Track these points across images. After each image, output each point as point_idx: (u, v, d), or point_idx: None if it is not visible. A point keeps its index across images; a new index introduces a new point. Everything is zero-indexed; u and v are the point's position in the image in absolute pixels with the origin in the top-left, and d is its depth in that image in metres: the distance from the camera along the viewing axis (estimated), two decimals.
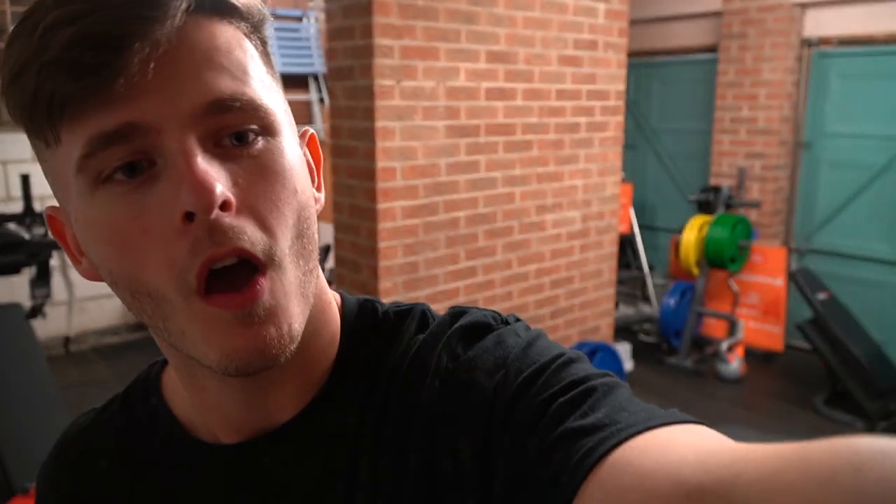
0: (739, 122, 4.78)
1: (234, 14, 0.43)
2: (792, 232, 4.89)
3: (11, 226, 3.24)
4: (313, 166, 0.51)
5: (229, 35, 0.42)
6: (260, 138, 0.42)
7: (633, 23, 4.11)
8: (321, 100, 5.47)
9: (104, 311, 4.90)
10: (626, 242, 4.99)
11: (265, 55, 0.45)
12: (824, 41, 4.59)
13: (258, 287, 0.41)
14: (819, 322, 3.80)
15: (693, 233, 4.50)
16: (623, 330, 4.82)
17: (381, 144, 2.72)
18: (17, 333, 3.28)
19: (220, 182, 0.39)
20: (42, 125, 0.40)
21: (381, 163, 2.74)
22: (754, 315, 4.64)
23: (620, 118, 3.77)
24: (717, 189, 4.64)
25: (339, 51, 2.82)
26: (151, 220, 0.40)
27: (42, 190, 4.30)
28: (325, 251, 4.32)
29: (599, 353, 3.65)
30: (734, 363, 4.29)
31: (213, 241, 0.39)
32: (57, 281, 3.32)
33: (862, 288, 4.47)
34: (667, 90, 5.50)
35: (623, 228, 4.57)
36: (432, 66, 2.83)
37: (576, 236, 3.66)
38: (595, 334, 3.90)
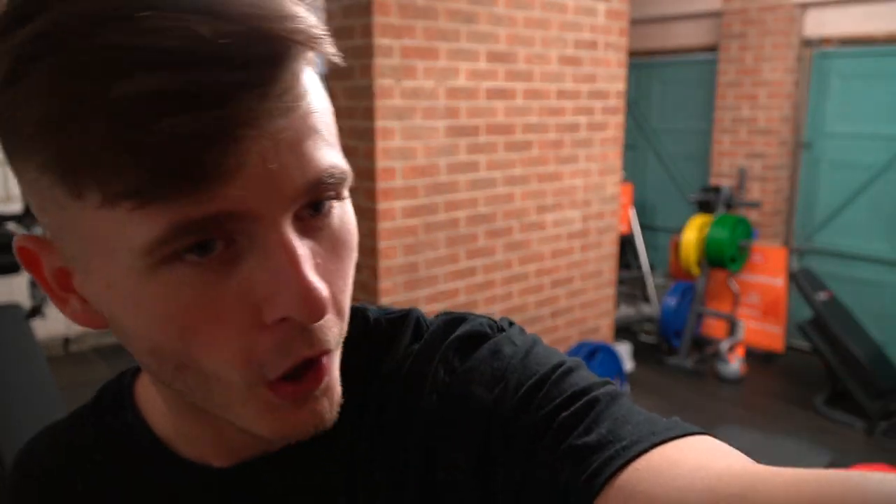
0: (740, 122, 4.78)
1: (317, 47, 0.36)
2: (792, 232, 4.89)
3: (11, 226, 3.24)
4: None
5: (313, 78, 0.38)
6: (335, 203, 0.39)
7: (633, 23, 4.12)
8: None
9: None
10: (626, 242, 4.99)
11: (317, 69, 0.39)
12: (825, 41, 4.59)
13: (323, 373, 0.39)
14: (819, 322, 3.80)
15: (693, 233, 4.50)
16: (623, 330, 4.82)
17: (381, 144, 2.72)
18: (17, 333, 3.27)
19: (323, 286, 0.35)
20: (88, 185, 0.33)
21: (381, 163, 2.74)
22: (754, 315, 4.63)
23: (620, 118, 3.77)
24: (717, 189, 4.64)
25: (339, 51, 2.82)
26: (228, 308, 0.35)
27: None
28: None
29: (599, 353, 3.65)
30: (734, 363, 4.28)
31: (307, 344, 0.37)
32: None
33: (862, 288, 4.47)
34: (667, 90, 5.49)
35: (623, 228, 4.58)
36: (432, 66, 2.82)
37: (576, 236, 3.66)
38: (595, 334, 3.90)
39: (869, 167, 4.41)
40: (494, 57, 3.04)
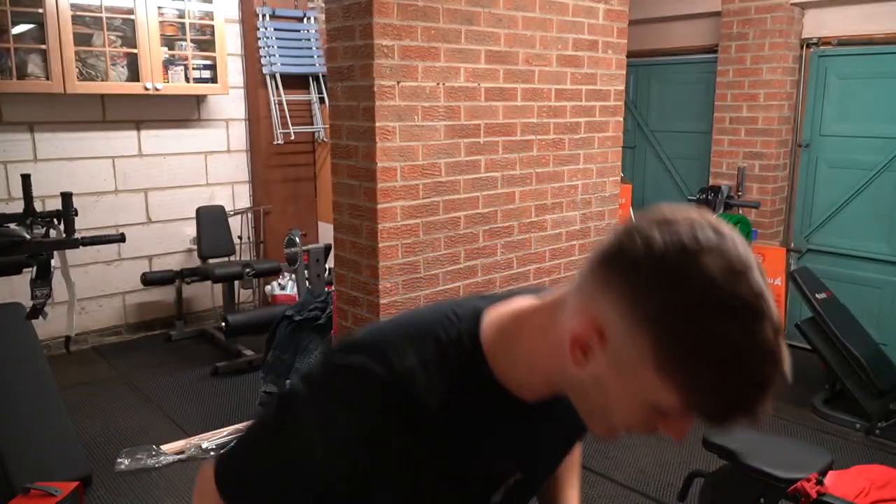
0: (739, 123, 4.78)
1: None
2: (791, 232, 4.90)
3: (12, 226, 3.24)
4: None
5: None
6: None
7: (633, 23, 4.11)
8: (321, 100, 5.47)
9: (104, 311, 4.91)
10: None
11: None
12: (823, 41, 4.60)
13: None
14: (818, 322, 3.80)
15: None
16: None
17: (381, 144, 2.73)
18: (18, 333, 3.28)
19: None
20: (675, 382, 0.62)
21: (381, 163, 2.74)
22: None
23: (620, 118, 3.77)
24: (716, 189, 4.65)
25: (339, 51, 2.82)
26: (651, 424, 0.68)
27: (42, 191, 4.31)
28: (325, 251, 4.32)
29: None
30: None
31: (652, 434, 0.70)
32: (57, 281, 3.32)
33: (861, 288, 4.47)
34: (666, 90, 5.50)
35: None
36: (432, 66, 2.83)
37: (576, 236, 3.66)
38: None
39: (867, 167, 4.41)
40: (494, 57, 3.04)
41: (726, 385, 0.60)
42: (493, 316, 0.78)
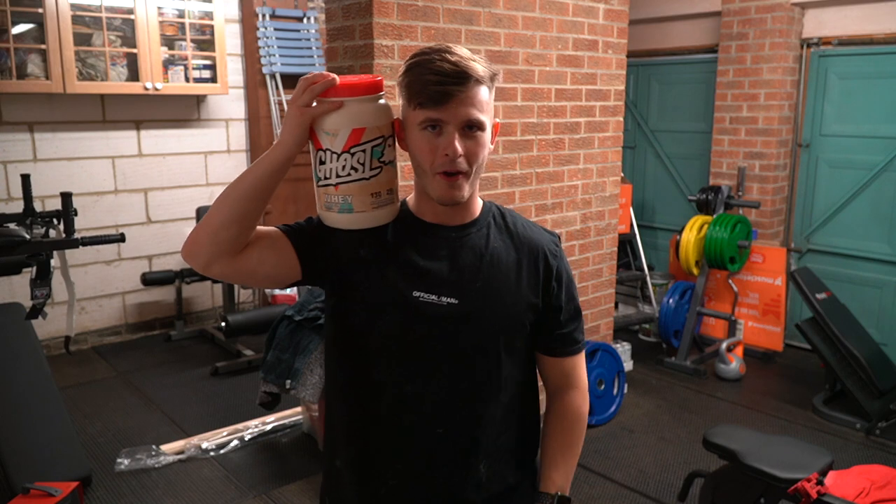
0: (739, 123, 4.78)
1: (484, 80, 1.09)
2: (791, 232, 4.90)
3: (11, 226, 3.24)
4: (491, 142, 1.16)
5: (481, 89, 1.09)
6: (478, 130, 1.09)
7: (633, 23, 4.10)
8: None
9: (104, 311, 4.91)
10: (625, 242, 5.00)
11: (490, 90, 1.12)
12: (824, 41, 4.60)
13: (457, 178, 1.10)
14: (818, 322, 3.80)
15: (692, 233, 4.50)
16: (623, 330, 4.82)
17: None
18: (18, 333, 3.28)
19: (460, 148, 1.08)
20: (413, 102, 1.08)
21: None
22: (754, 315, 4.64)
23: (620, 118, 3.77)
24: (716, 189, 4.65)
25: (339, 51, 2.82)
26: (432, 147, 1.09)
27: (41, 191, 4.30)
28: None
29: (599, 352, 3.66)
30: (734, 363, 4.29)
31: (452, 165, 1.08)
32: (57, 281, 3.32)
33: (861, 288, 4.48)
34: (666, 90, 5.50)
35: (623, 228, 4.58)
36: None
37: (576, 236, 3.66)
38: (595, 334, 3.91)
39: (868, 167, 4.41)
40: (494, 57, 3.04)
41: (417, 76, 1.07)
42: None
